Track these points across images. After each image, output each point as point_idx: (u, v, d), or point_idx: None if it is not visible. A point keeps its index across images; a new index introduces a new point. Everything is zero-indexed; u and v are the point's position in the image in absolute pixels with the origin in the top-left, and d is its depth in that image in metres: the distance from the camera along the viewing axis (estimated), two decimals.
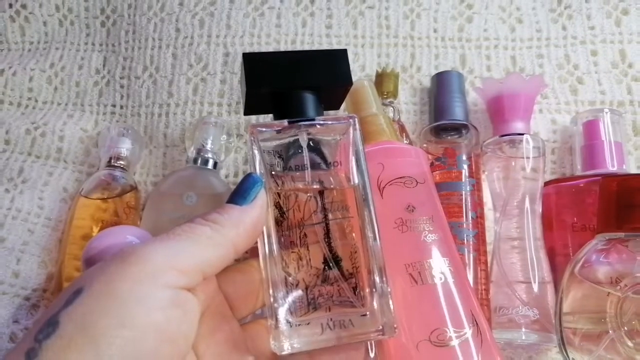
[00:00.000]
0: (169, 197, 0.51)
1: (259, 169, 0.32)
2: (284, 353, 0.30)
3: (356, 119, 0.34)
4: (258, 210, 0.30)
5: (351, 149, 0.33)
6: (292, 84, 0.34)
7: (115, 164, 0.53)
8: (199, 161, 0.52)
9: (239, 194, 0.30)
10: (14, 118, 0.60)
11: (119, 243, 0.38)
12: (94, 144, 0.59)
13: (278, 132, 0.33)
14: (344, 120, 0.33)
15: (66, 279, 0.50)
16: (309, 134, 0.33)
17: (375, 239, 0.32)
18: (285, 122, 0.33)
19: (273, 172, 0.32)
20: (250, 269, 0.33)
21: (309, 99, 0.34)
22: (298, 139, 0.33)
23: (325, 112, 0.36)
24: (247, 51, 0.60)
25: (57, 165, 0.58)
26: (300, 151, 0.33)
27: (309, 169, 0.32)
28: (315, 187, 0.33)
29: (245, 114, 0.37)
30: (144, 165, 0.58)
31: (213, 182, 0.52)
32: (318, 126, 0.33)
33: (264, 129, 0.32)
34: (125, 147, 0.54)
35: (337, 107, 0.38)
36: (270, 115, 0.35)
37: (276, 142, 0.33)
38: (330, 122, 0.33)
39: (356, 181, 0.33)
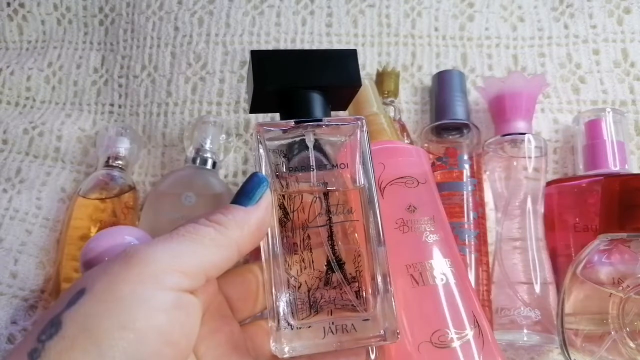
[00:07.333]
0: (167, 197, 0.51)
1: (264, 168, 0.32)
2: (284, 356, 0.29)
3: (364, 121, 0.33)
4: (263, 211, 0.29)
5: (358, 150, 0.33)
6: (301, 84, 0.33)
7: (114, 164, 0.53)
8: (198, 161, 0.52)
9: (244, 194, 0.29)
10: (12, 117, 0.59)
11: (117, 244, 0.38)
12: (92, 143, 0.58)
13: (284, 131, 0.32)
14: (351, 122, 0.33)
15: (64, 280, 0.49)
16: (315, 134, 0.32)
17: (379, 243, 0.32)
18: (292, 122, 0.32)
19: (278, 173, 0.32)
20: (251, 271, 0.32)
21: (317, 99, 0.33)
22: (304, 139, 0.32)
23: (332, 112, 0.35)
24: (246, 50, 0.60)
25: (55, 165, 0.57)
26: (306, 151, 0.32)
27: (315, 169, 0.32)
28: (319, 188, 0.32)
29: (251, 112, 0.36)
30: (142, 165, 0.58)
31: (212, 182, 0.52)
32: (325, 127, 0.32)
33: (270, 128, 0.32)
34: (123, 147, 0.54)
35: (344, 108, 0.38)
36: (270, 114, 0.35)
37: (282, 141, 0.32)
38: (337, 123, 0.33)
39: (362, 183, 0.33)
